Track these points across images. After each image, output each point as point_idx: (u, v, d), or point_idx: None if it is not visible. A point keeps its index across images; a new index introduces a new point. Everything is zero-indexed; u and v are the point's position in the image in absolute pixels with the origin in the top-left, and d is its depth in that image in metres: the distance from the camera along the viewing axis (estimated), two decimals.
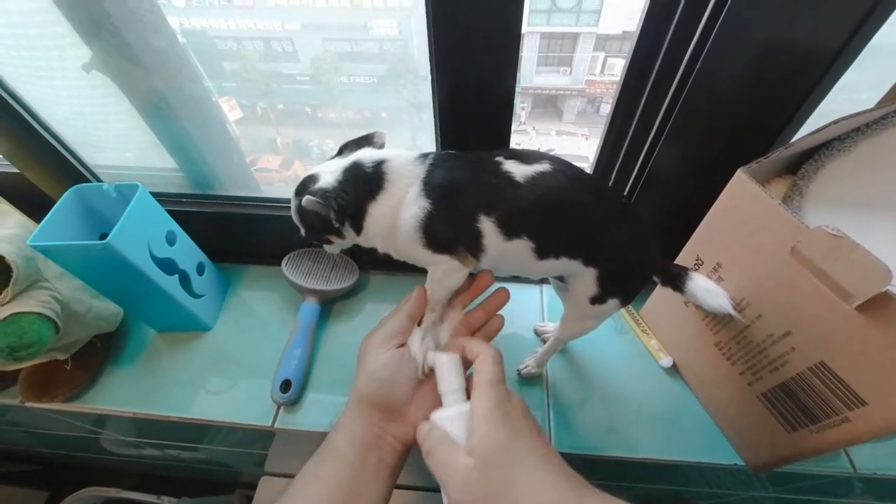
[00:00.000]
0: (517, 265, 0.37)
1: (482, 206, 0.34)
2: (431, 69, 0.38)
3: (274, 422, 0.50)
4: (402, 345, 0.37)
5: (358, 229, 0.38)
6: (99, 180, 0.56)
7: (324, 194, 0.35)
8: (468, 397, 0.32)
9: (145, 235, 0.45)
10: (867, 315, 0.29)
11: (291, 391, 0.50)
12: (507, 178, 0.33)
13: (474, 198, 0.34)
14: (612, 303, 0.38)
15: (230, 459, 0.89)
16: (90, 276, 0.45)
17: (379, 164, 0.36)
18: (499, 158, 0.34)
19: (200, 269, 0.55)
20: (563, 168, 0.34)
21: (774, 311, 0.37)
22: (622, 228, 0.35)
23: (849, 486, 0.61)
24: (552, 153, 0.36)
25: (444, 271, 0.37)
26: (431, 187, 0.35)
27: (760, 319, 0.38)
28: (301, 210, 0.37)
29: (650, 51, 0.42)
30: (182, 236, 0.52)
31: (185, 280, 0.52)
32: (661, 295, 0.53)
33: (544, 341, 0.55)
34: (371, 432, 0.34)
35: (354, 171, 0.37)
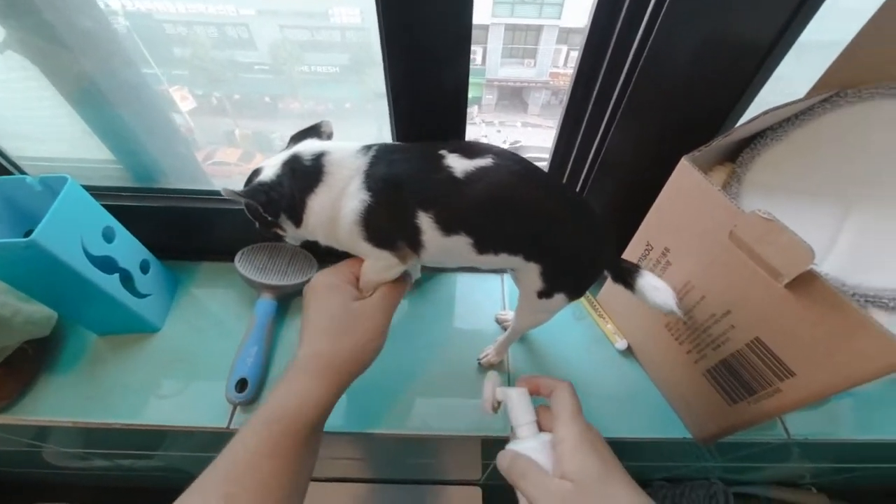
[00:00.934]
0: (459, 259, 0.37)
1: (421, 202, 0.34)
2: (383, 57, 0.37)
3: (230, 423, 0.48)
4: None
5: (297, 222, 0.37)
6: (24, 174, 0.51)
7: (256, 188, 0.35)
8: (540, 428, 0.35)
9: (77, 232, 0.42)
10: (795, 293, 0.31)
11: (248, 391, 0.48)
12: (448, 174, 0.33)
13: (413, 193, 0.34)
14: (559, 297, 0.38)
15: (188, 465, 0.86)
16: (15, 277, 0.41)
17: (319, 157, 0.36)
18: (442, 152, 0.34)
19: (145, 267, 0.52)
20: (508, 163, 0.34)
21: (716, 292, 0.39)
22: (568, 225, 0.35)
23: (787, 451, 0.66)
24: (502, 146, 0.36)
25: (384, 266, 0.37)
26: (372, 180, 0.34)
27: (704, 300, 0.40)
28: (245, 204, 0.36)
29: (601, 43, 0.42)
30: (122, 232, 0.48)
31: (127, 279, 0.49)
32: None
33: (505, 329, 0.56)
34: (334, 401, 0.36)
35: (292, 164, 0.36)
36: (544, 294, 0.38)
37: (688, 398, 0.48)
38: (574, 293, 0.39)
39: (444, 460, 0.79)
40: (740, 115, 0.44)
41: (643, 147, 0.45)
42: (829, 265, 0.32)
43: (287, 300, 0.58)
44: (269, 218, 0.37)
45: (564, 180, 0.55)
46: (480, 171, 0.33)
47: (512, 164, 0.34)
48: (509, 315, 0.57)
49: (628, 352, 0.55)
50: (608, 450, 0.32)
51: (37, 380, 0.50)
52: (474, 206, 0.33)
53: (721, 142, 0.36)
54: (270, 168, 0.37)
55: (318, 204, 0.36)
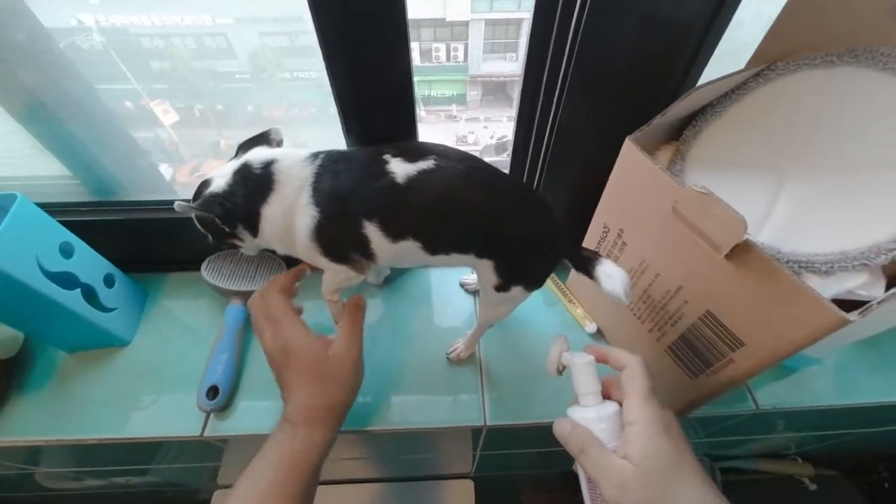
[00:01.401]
0: (414, 261, 0.38)
1: (365, 213, 0.34)
2: (323, 57, 0.37)
3: (203, 431, 0.48)
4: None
5: (254, 232, 0.38)
6: None
7: (210, 200, 0.35)
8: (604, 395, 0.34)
9: (31, 249, 0.41)
10: (735, 263, 0.32)
11: (219, 397, 0.48)
12: (389, 180, 0.33)
13: (357, 204, 0.34)
14: (517, 290, 0.39)
15: (183, 478, 0.86)
16: None
17: (268, 165, 0.36)
18: (386, 156, 0.34)
19: (109, 281, 0.52)
20: (451, 163, 0.34)
21: (668, 268, 0.39)
22: (516, 220, 0.35)
23: (765, 423, 0.67)
24: (447, 145, 0.36)
25: (343, 279, 0.40)
26: (319, 194, 0.35)
27: (658, 278, 0.41)
28: (196, 217, 0.36)
29: (545, 29, 0.43)
30: (82, 247, 0.48)
31: (90, 294, 0.49)
32: None
33: (468, 292, 0.58)
34: (329, 435, 0.39)
35: (244, 174, 0.36)
36: (501, 288, 0.39)
37: (655, 376, 0.48)
38: (531, 285, 0.40)
39: (433, 455, 0.79)
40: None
41: (591, 129, 0.45)
42: (766, 234, 0.32)
43: None
44: (226, 229, 0.37)
45: (525, 170, 0.55)
46: (422, 175, 0.33)
47: (455, 163, 0.34)
48: (472, 279, 0.58)
49: (598, 334, 0.55)
50: (682, 437, 0.31)
51: (6, 400, 0.49)
52: (417, 212, 0.34)
53: (660, 120, 0.36)
54: (221, 178, 0.37)
55: (271, 213, 0.36)
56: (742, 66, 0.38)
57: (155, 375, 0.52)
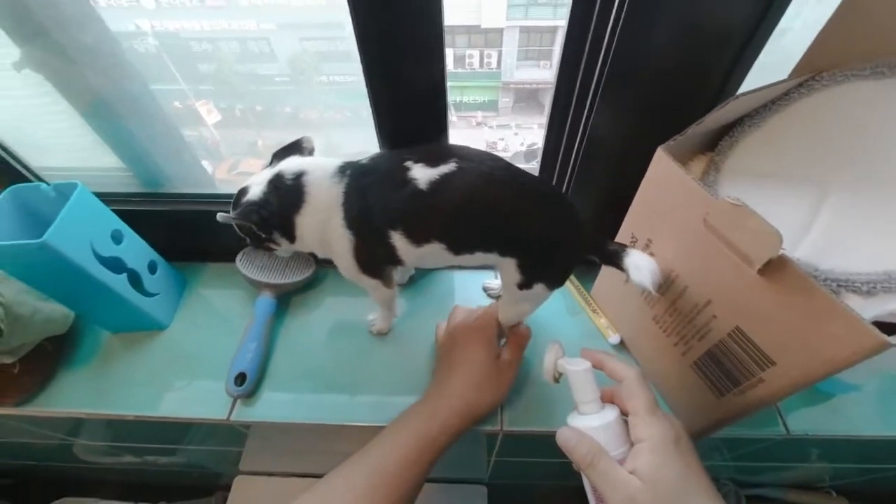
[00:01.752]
0: (440, 262, 0.39)
1: (390, 222, 0.35)
2: (361, 61, 0.39)
3: (230, 415, 0.50)
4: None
5: (290, 238, 0.40)
6: (46, 182, 0.55)
7: (248, 209, 0.38)
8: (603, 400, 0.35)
9: (87, 234, 0.45)
10: (768, 279, 0.31)
11: (246, 384, 0.50)
12: (412, 187, 0.34)
13: (383, 215, 0.36)
14: (539, 287, 0.39)
15: (208, 461, 0.89)
16: (32, 277, 0.45)
17: (299, 177, 0.38)
18: (408, 163, 0.35)
19: (153, 268, 0.55)
20: (473, 165, 0.34)
21: (697, 281, 0.38)
22: (539, 218, 0.35)
23: (795, 449, 0.64)
24: (469, 146, 0.37)
25: (379, 294, 0.44)
26: (351, 216, 0.37)
27: (687, 291, 0.40)
28: (236, 224, 0.39)
29: (580, 35, 0.43)
30: (130, 235, 0.51)
31: (135, 279, 0.52)
32: (606, 275, 0.55)
33: (490, 297, 0.59)
34: (465, 428, 0.43)
35: (276, 183, 0.38)
36: (524, 285, 0.39)
37: (678, 392, 0.47)
38: (553, 282, 0.40)
39: (448, 458, 0.80)
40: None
41: (623, 137, 0.45)
42: (804, 250, 0.31)
43: (286, 298, 0.60)
44: (263, 235, 0.40)
45: (555, 177, 0.55)
46: (444, 179, 0.34)
47: (477, 164, 0.35)
48: (495, 284, 0.58)
49: (621, 346, 0.54)
50: (693, 452, 0.31)
51: (55, 375, 0.53)
52: (441, 216, 0.35)
53: (695, 130, 0.36)
54: (257, 186, 0.39)
55: (307, 223, 0.39)
56: (785, 76, 0.37)
57: (189, 360, 0.55)
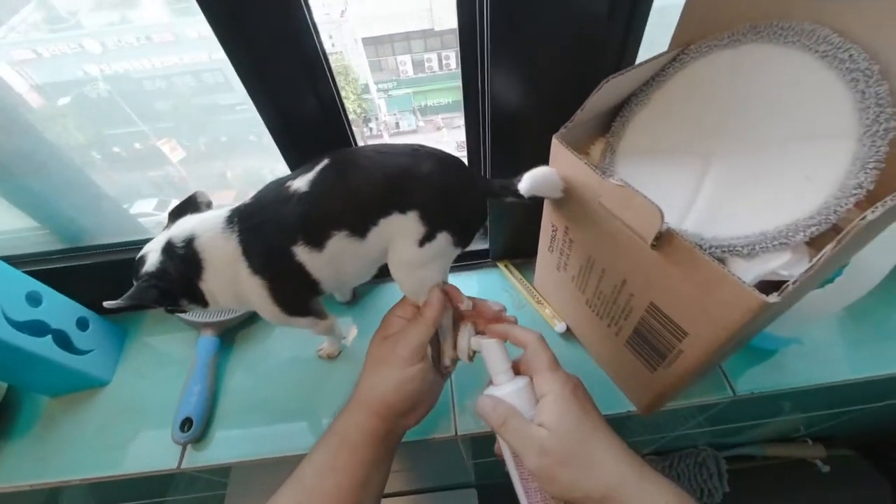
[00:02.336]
0: (356, 265, 0.38)
1: (288, 240, 0.34)
2: (248, 93, 0.38)
3: (180, 463, 0.49)
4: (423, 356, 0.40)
5: (203, 303, 0.39)
6: None
7: (142, 287, 0.35)
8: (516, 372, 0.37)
9: None
10: (662, 253, 0.31)
11: (193, 429, 0.49)
12: (297, 198, 0.34)
13: (281, 238, 0.35)
14: (443, 238, 0.36)
15: None
16: None
17: (189, 242, 0.36)
18: (289, 183, 0.35)
19: (83, 324, 0.53)
20: (346, 150, 0.36)
21: (611, 263, 0.39)
22: (424, 166, 0.35)
23: (765, 406, 0.65)
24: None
25: (318, 328, 0.44)
26: (255, 260, 0.36)
27: (605, 273, 0.40)
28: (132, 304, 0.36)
29: (469, 18, 0.42)
30: (50, 294, 0.50)
31: (63, 339, 0.50)
32: (541, 264, 0.55)
33: None
34: (386, 428, 0.38)
35: (169, 252, 0.36)
36: (427, 238, 0.36)
37: (621, 372, 0.48)
38: (456, 232, 0.37)
39: (431, 466, 0.79)
40: None
41: (524, 127, 0.45)
42: (691, 221, 0.32)
43: (230, 333, 0.59)
44: (170, 307, 0.39)
45: (482, 168, 0.55)
46: (321, 172, 0.35)
47: (346, 151, 0.36)
48: None
49: (568, 333, 0.55)
50: (589, 399, 0.35)
51: None
52: (329, 200, 0.34)
53: (581, 115, 0.36)
54: (153, 254, 0.37)
55: (214, 287, 0.37)
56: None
57: (135, 412, 0.53)
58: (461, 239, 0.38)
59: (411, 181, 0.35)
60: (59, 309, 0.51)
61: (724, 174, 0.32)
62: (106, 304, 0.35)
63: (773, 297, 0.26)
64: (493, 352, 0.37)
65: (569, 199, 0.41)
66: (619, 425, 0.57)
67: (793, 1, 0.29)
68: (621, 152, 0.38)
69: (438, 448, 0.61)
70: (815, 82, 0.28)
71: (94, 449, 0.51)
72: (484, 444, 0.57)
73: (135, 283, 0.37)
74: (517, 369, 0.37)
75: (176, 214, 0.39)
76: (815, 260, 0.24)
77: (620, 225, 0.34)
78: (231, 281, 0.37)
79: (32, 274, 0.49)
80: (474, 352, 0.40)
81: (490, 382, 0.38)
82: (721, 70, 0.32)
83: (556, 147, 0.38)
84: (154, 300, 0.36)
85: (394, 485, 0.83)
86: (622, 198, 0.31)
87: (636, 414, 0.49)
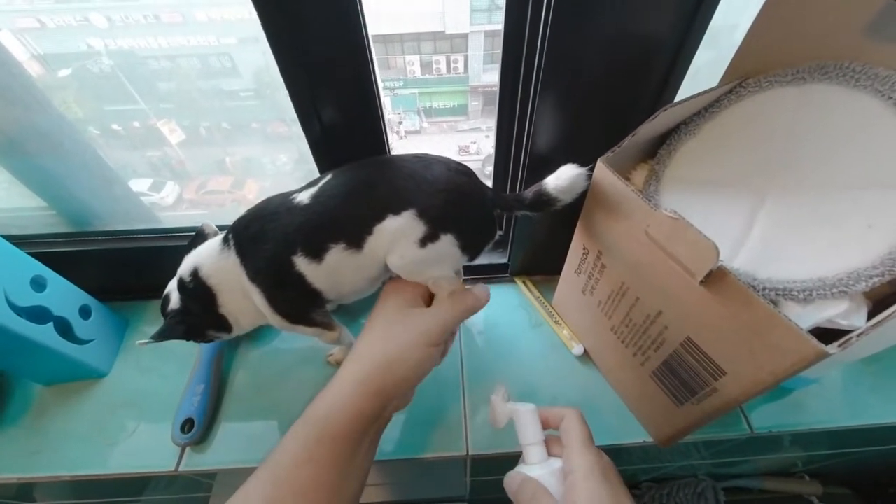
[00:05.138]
0: (354, 278, 0.37)
1: (288, 250, 0.34)
2: (285, 83, 0.37)
3: (178, 465, 0.47)
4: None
5: (228, 329, 0.40)
6: None
7: (171, 325, 0.38)
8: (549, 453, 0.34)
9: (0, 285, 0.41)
10: (711, 290, 0.30)
11: (194, 430, 0.47)
12: (299, 209, 0.34)
13: (280, 249, 0.34)
14: (447, 240, 0.34)
15: None
16: None
17: (195, 275, 0.38)
18: (294, 195, 0.35)
19: (85, 313, 0.51)
20: (352, 164, 0.36)
21: (647, 292, 0.38)
22: (429, 170, 0.34)
23: (767, 443, 0.65)
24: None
25: (326, 338, 0.43)
26: (251, 266, 0.36)
27: (639, 302, 0.39)
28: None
29: (516, 44, 0.42)
30: (55, 280, 0.48)
31: (64, 327, 0.48)
32: (564, 284, 0.54)
33: None
34: (375, 411, 0.34)
35: (182, 289, 0.39)
36: (428, 238, 0.33)
37: (641, 401, 0.47)
38: (463, 234, 0.35)
39: (426, 479, 0.77)
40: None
41: (566, 146, 0.44)
42: (742, 259, 0.31)
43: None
44: (200, 340, 0.41)
45: (507, 186, 0.54)
46: (325, 185, 0.34)
47: (354, 163, 0.36)
48: None
49: (585, 356, 0.54)
50: (619, 480, 0.32)
51: None
52: (328, 210, 0.34)
53: (631, 141, 0.35)
54: (174, 292, 0.40)
55: (234, 310, 0.39)
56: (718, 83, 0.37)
57: (132, 408, 0.51)
58: (468, 245, 0.36)
59: (410, 183, 0.34)
60: (63, 295, 0.49)
61: (780, 213, 0.31)
62: (138, 343, 0.37)
63: (833, 348, 0.25)
64: (526, 420, 0.35)
65: (606, 224, 0.40)
66: (620, 453, 0.56)
67: (865, 43, 0.29)
68: (666, 181, 0.37)
69: (440, 463, 0.60)
70: (885, 130, 0.27)
71: (88, 444, 0.48)
72: (489, 463, 0.56)
73: (164, 319, 0.40)
74: (552, 452, 0.35)
75: (189, 247, 0.41)
76: (886, 313, 0.23)
77: (664, 256, 0.33)
78: (244, 296, 0.37)
79: (36, 256, 0.47)
80: (507, 418, 0.36)
81: (522, 460, 0.35)
82: (783, 107, 0.32)
83: (601, 171, 0.37)
84: (182, 335, 0.38)
85: (382, 495, 0.82)
86: (674, 230, 0.30)
87: (650, 444, 0.48)
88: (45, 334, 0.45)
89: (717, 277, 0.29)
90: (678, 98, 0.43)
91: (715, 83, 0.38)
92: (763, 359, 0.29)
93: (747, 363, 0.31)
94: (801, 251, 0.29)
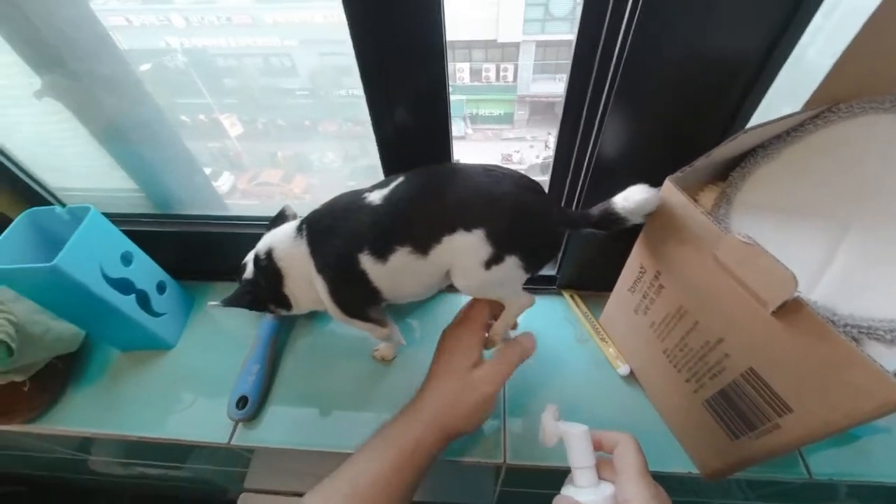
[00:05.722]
0: (413, 282, 0.38)
1: (356, 247, 0.36)
2: (362, 81, 0.39)
3: (231, 439, 0.50)
4: None
5: (287, 307, 0.43)
6: (63, 204, 0.57)
7: (239, 294, 0.43)
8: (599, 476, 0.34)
9: (97, 257, 0.46)
10: (783, 321, 0.29)
11: (248, 408, 0.50)
12: (370, 209, 0.35)
13: (350, 245, 0.36)
14: (512, 262, 0.35)
15: (214, 477, 0.89)
16: (42, 298, 0.46)
17: (269, 255, 0.41)
18: (365, 195, 0.37)
19: (161, 288, 0.56)
20: (420, 170, 0.36)
21: (708, 318, 0.37)
22: (499, 185, 0.34)
23: (820, 491, 0.60)
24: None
25: (377, 334, 0.45)
26: (321, 261, 0.38)
27: (697, 326, 0.38)
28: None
29: (589, 52, 0.42)
30: (140, 256, 0.52)
31: (144, 299, 0.53)
32: (615, 302, 0.53)
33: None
34: (445, 442, 0.40)
35: (257, 264, 0.42)
36: (493, 260, 0.34)
37: (690, 430, 0.45)
38: (526, 255, 0.35)
39: (453, 483, 0.78)
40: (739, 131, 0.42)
41: (631, 165, 0.44)
42: (821, 291, 0.30)
43: (292, 318, 0.60)
44: (262, 311, 0.44)
45: (564, 196, 0.54)
46: (396, 188, 0.35)
47: (427, 168, 0.37)
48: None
49: (631, 377, 0.52)
50: None
51: (65, 393, 0.54)
52: (397, 215, 0.35)
53: (704, 162, 0.34)
54: (249, 264, 0.44)
55: (297, 292, 0.42)
56: (799, 106, 0.36)
57: (193, 380, 0.55)
58: (531, 264, 0.37)
59: (480, 199, 0.34)
60: (145, 270, 0.53)
61: (865, 246, 0.29)
62: (209, 304, 0.41)
63: None
64: (578, 443, 0.33)
65: (669, 244, 0.39)
66: (656, 481, 0.54)
67: None
68: (738, 204, 0.36)
69: (474, 469, 0.60)
70: None
71: (151, 410, 0.53)
72: (524, 474, 0.56)
73: (238, 285, 0.43)
74: (600, 474, 0.34)
75: (270, 226, 0.44)
76: None
77: (732, 282, 0.32)
78: (308, 282, 0.40)
79: (125, 234, 0.52)
80: (558, 437, 0.36)
81: (570, 480, 0.34)
82: (876, 134, 0.30)
83: (669, 190, 0.36)
84: (248, 304, 0.42)
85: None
86: (747, 256, 0.29)
87: (694, 476, 0.46)
88: (128, 304, 0.50)
89: (791, 309, 0.28)
90: (751, 122, 0.42)
91: (783, 104, 0.37)
92: (837, 399, 0.28)
93: (818, 402, 0.29)
94: (887, 288, 0.27)
